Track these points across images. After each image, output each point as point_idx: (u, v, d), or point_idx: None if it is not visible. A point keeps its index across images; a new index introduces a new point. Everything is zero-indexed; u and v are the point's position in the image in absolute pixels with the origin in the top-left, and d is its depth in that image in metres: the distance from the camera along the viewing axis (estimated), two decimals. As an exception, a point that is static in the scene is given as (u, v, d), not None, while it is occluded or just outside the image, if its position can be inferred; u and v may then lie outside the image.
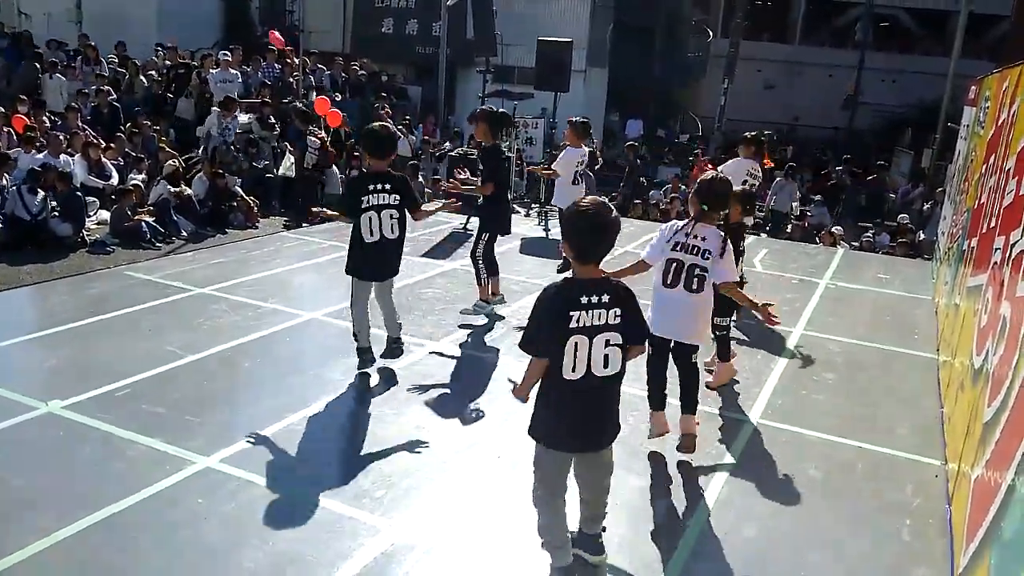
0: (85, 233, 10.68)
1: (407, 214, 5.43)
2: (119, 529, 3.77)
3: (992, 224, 4.87)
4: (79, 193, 10.88)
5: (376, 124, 5.60)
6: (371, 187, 5.26)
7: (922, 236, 14.54)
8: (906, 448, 5.04)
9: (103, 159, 12.16)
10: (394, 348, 5.74)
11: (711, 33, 30.99)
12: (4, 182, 10.20)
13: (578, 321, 3.17)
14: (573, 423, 3.33)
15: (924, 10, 31.82)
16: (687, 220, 4.53)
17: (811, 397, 5.78)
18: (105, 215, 11.40)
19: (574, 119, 8.52)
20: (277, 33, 17.24)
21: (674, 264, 4.45)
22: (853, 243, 13.94)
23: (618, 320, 3.23)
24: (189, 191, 12.29)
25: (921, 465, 4.85)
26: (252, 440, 4.60)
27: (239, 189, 13.19)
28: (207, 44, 20.52)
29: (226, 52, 15.53)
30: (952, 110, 21.73)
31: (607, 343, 3.22)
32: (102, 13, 21.70)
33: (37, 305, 6.73)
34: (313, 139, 13.42)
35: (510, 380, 3.49)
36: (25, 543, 3.60)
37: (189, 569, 3.55)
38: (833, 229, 14.81)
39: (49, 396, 4.96)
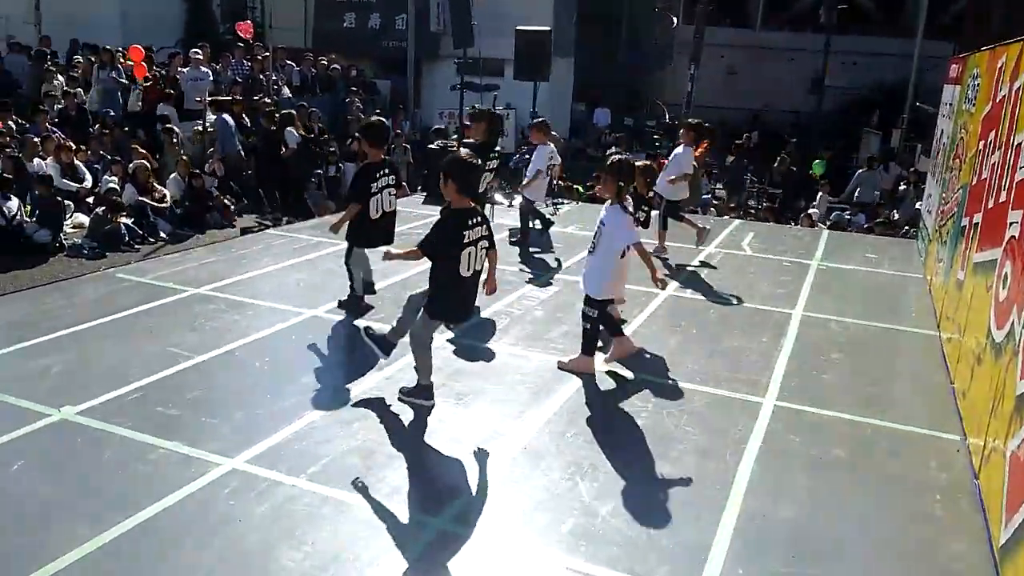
0: (63, 237, 10.45)
1: None
2: (156, 533, 3.68)
3: (1002, 199, 4.93)
4: (59, 198, 10.65)
5: None
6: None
7: (896, 215, 14.81)
8: (922, 424, 5.11)
9: (76, 161, 11.86)
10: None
11: (675, 20, 31.13)
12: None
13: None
14: None
15: (882, -9, 32.29)
16: (613, 201, 5.46)
17: (822, 377, 5.83)
18: (81, 218, 11.14)
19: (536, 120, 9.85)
20: (246, 24, 16.94)
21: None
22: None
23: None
24: (164, 191, 12.05)
25: (940, 441, 4.91)
26: (275, 440, 4.52)
27: (215, 189, 12.99)
28: (169, 43, 20.11)
29: (196, 50, 15.20)
30: (916, 89, 22.14)
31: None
32: (62, 13, 21.11)
33: (31, 310, 6.50)
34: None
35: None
36: (62, 552, 3.49)
37: (231, 572, 3.47)
38: (810, 211, 15.04)
39: (60, 403, 4.81)
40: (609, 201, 5.55)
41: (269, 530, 3.75)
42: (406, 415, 4.96)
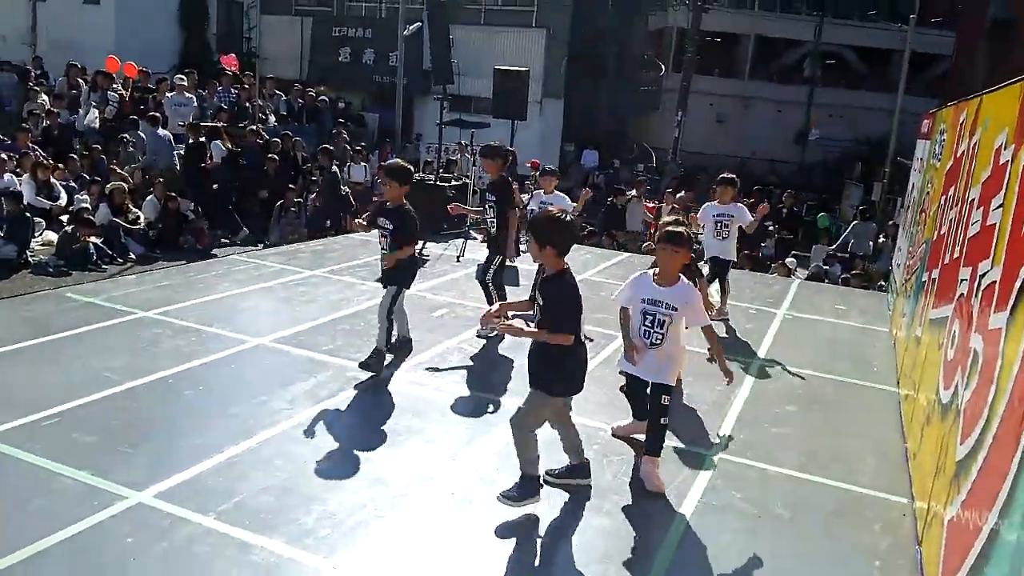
0: (29, 254, 10.33)
1: None
2: (40, 571, 3.45)
3: (955, 255, 4.83)
4: (28, 214, 10.56)
5: None
6: None
7: (874, 267, 14.79)
8: (871, 485, 4.92)
9: (52, 180, 11.79)
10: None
11: (663, 67, 31.48)
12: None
13: None
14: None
15: (869, 48, 32.81)
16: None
17: (773, 431, 5.66)
18: (51, 236, 11.02)
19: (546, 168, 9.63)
20: (230, 57, 17.21)
21: None
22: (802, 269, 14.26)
23: None
24: (137, 212, 11.95)
25: (888, 503, 4.73)
26: (189, 474, 4.31)
27: (190, 212, 12.89)
28: (164, 69, 20.22)
29: (181, 76, 15.31)
30: (899, 144, 22.37)
31: None
32: (59, 37, 21.28)
33: (-34, 328, 6.33)
34: (112, 94, 14.86)
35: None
36: (-68, 589, 3.27)
37: (115, 617, 3.26)
38: (787, 260, 14.98)
39: (-31, 426, 4.61)
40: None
41: (163, 571, 3.53)
42: (334, 454, 4.76)
